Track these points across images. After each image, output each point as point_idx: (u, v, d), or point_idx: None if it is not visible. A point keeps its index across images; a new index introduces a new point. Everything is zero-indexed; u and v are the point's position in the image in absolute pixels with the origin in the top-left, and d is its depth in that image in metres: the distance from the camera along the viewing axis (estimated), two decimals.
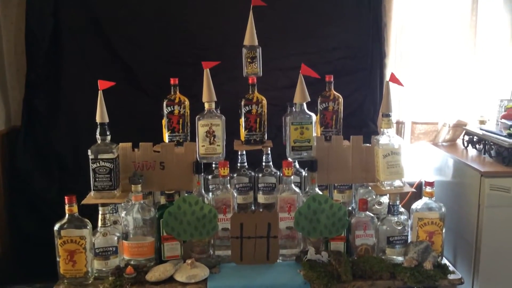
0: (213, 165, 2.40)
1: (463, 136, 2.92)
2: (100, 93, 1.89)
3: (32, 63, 2.92)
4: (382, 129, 1.95)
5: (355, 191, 2.34)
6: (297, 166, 2.26)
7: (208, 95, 1.96)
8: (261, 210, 2.30)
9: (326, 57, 2.98)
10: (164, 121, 2.34)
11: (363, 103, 3.10)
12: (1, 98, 2.95)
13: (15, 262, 2.98)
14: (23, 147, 2.98)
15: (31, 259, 2.95)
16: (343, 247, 1.93)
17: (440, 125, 3.08)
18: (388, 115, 1.93)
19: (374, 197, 2.17)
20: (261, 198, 2.33)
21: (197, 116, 1.97)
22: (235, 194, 1.98)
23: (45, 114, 2.99)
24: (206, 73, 1.96)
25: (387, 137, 1.94)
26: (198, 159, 1.99)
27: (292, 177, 1.95)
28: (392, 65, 3.17)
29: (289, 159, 2.00)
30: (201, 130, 1.95)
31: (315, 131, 1.99)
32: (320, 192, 1.99)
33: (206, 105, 1.97)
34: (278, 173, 2.34)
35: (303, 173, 2.25)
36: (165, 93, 2.33)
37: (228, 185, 1.98)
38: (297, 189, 1.95)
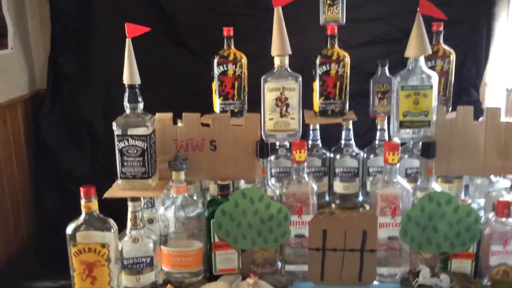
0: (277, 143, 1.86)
1: None
2: (128, 43, 1.34)
3: (56, 13, 2.45)
4: None
5: None
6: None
7: (280, 46, 1.37)
8: (337, 201, 1.78)
9: (415, 3, 2.34)
10: (215, 85, 1.80)
11: (463, 63, 2.47)
12: (23, 56, 2.50)
13: (41, 244, 2.59)
14: (49, 114, 2.56)
15: (57, 242, 2.55)
16: (470, 268, 1.35)
17: None
18: None
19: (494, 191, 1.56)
20: (338, 187, 1.81)
21: (263, 77, 1.40)
22: (315, 188, 1.41)
23: (73, 75, 2.54)
24: (277, 13, 1.36)
25: None
26: (264, 138, 1.43)
27: (398, 165, 1.36)
28: (504, 15, 2.49)
29: (395, 140, 1.41)
30: (269, 97, 1.37)
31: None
32: (439, 188, 1.39)
33: (277, 61, 1.39)
34: (362, 154, 1.80)
35: None
36: (212, 50, 1.78)
37: (305, 175, 1.42)
38: (405, 184, 1.37)
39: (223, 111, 1.77)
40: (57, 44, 2.51)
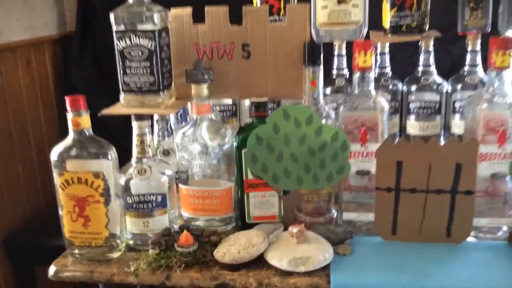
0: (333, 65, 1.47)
1: None
2: None
3: None
4: None
5: None
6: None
7: None
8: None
9: None
10: None
11: None
12: None
13: None
14: (78, 58, 2.31)
15: None
16: None
17: None
18: None
19: None
20: (413, 127, 1.44)
21: None
22: (386, 107, 1.03)
23: (103, 13, 2.27)
24: None
25: None
26: (315, 37, 1.06)
27: (506, 72, 0.94)
28: None
29: (506, 35, 0.99)
30: None
31: None
32: None
33: None
34: (445, 86, 1.40)
35: None
36: None
37: (372, 87, 1.03)
38: None
39: None
40: None
